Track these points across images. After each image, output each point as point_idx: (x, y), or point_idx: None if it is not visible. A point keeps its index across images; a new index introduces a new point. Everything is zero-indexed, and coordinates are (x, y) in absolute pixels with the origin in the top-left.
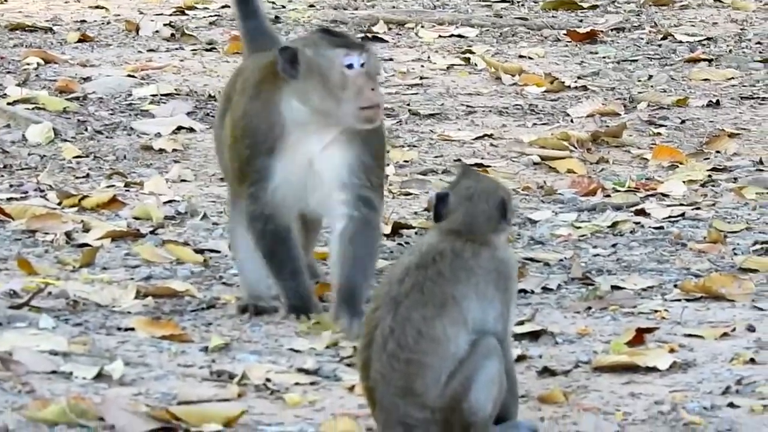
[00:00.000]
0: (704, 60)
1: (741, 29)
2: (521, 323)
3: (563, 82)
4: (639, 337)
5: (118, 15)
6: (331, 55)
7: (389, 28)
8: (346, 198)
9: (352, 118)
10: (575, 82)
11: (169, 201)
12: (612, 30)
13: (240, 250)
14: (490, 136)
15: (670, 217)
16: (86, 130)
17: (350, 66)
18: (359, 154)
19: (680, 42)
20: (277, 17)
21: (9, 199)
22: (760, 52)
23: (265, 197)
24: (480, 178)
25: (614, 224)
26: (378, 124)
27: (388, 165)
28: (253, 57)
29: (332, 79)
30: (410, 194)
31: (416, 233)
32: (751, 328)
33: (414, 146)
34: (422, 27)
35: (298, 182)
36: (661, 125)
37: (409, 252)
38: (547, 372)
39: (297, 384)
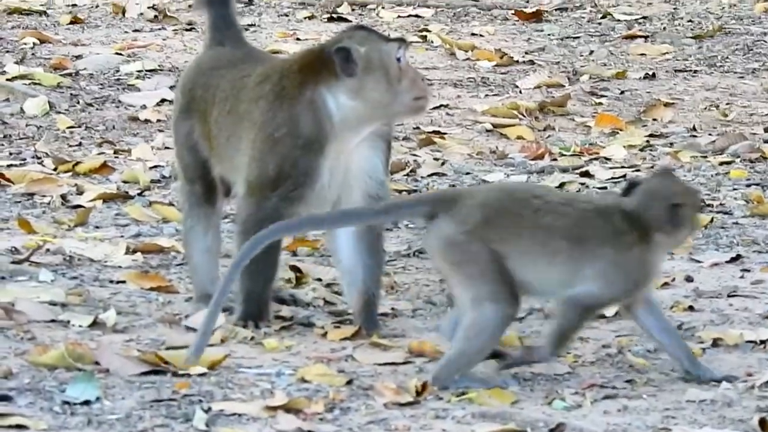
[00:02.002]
0: (641, 36)
1: (674, 8)
2: None
3: (512, 57)
4: None
5: None
6: (387, 49)
7: (353, 9)
8: (375, 193)
9: (407, 108)
10: (523, 57)
11: (155, 166)
12: (556, 10)
13: (196, 250)
14: (446, 106)
15: (612, 178)
16: (78, 103)
17: (399, 59)
18: (384, 148)
19: (618, 20)
20: (249, 0)
21: (9, 166)
22: (692, 29)
23: (307, 196)
24: (673, 181)
25: (561, 185)
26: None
27: None
28: (217, 50)
29: (391, 72)
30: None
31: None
32: (689, 279)
33: None
34: (383, 8)
35: (336, 180)
36: (602, 96)
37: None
38: None
39: (275, 330)
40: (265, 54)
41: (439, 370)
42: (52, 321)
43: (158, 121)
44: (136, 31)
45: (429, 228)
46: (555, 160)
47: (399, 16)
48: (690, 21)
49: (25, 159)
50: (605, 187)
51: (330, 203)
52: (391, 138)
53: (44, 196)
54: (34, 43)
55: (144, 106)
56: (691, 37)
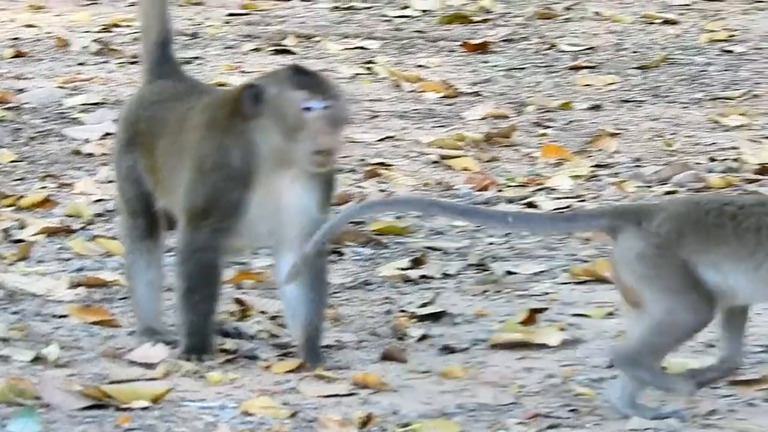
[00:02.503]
0: (586, 67)
1: (619, 39)
2: (424, 305)
3: (458, 89)
4: (531, 317)
5: (50, 32)
6: (291, 96)
7: (299, 42)
8: (309, 230)
9: (305, 161)
10: (469, 88)
11: (98, 200)
12: (502, 41)
13: (139, 283)
14: (392, 137)
15: (557, 208)
16: (21, 137)
17: (309, 109)
18: (322, 186)
19: (564, 51)
20: (194, 33)
21: None
22: (637, 60)
23: (233, 229)
24: None
25: None
26: (329, 169)
27: None
28: (159, 83)
29: (289, 120)
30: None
31: None
32: None
33: None
34: (329, 40)
35: (266, 214)
36: (547, 126)
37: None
38: (447, 349)
39: (219, 363)
40: (208, 87)
41: (623, 348)
42: None
43: (102, 154)
44: (80, 64)
45: (614, 242)
46: (501, 191)
47: (345, 48)
48: (635, 51)
49: None
50: None
51: (264, 237)
52: (332, 174)
53: None
54: None
55: (87, 140)
56: (637, 68)
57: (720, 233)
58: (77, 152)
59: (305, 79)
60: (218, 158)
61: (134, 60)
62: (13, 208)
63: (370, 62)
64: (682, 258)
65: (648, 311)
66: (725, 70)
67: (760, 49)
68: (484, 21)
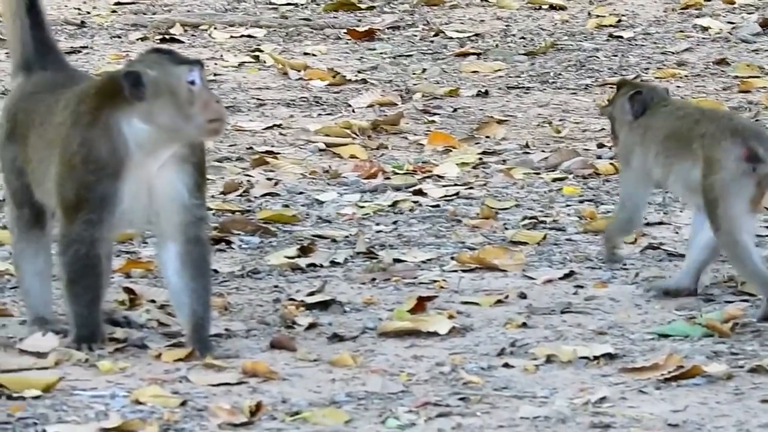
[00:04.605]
0: (473, 54)
1: (506, 26)
2: (312, 294)
3: (345, 76)
4: (420, 305)
5: None
6: (176, 72)
7: (185, 30)
8: (184, 217)
9: (200, 131)
10: (356, 75)
11: None
12: (388, 28)
13: (27, 273)
14: (279, 126)
15: (445, 196)
16: None
17: (192, 82)
18: (192, 171)
19: (451, 38)
20: (82, 22)
21: None
22: (524, 46)
23: (107, 221)
24: None
25: (394, 203)
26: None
27: None
28: (39, 74)
29: (180, 95)
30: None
31: (213, 215)
32: (522, 296)
33: None
34: (215, 29)
35: (140, 204)
36: (435, 114)
37: None
38: (336, 338)
39: (109, 352)
40: (86, 77)
41: None
42: None
43: None
44: None
45: None
46: (388, 178)
47: (231, 36)
48: (522, 38)
49: None
50: (438, 206)
51: (139, 226)
52: (202, 159)
53: None
54: None
55: None
56: (524, 54)
57: None
58: None
59: (177, 56)
60: (85, 152)
61: None
62: None
63: (256, 50)
64: None
65: None
66: (613, 56)
67: (649, 34)
68: (370, 9)
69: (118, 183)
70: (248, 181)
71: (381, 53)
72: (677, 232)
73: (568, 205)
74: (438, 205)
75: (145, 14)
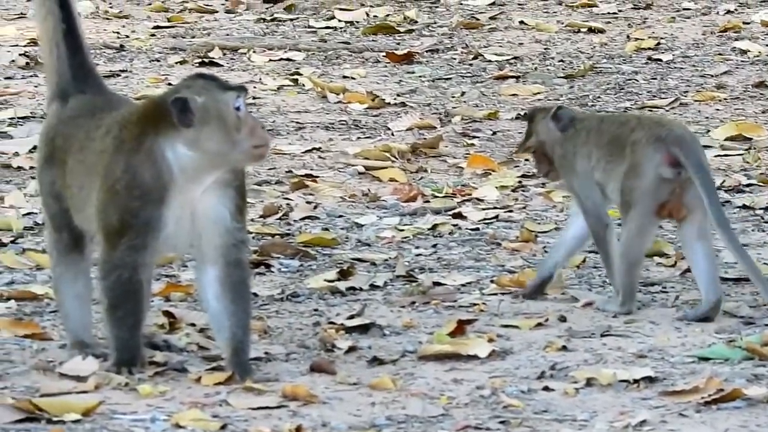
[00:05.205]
0: (512, 77)
1: (545, 49)
2: (352, 317)
3: (384, 100)
4: (460, 328)
5: None
6: (225, 98)
7: (224, 54)
8: (225, 241)
9: (246, 157)
10: (395, 99)
11: (28, 213)
12: (427, 51)
13: (66, 297)
14: (318, 149)
15: (484, 219)
16: None
17: (239, 108)
18: (234, 195)
19: (490, 61)
20: (121, 46)
21: None
22: (563, 69)
23: (151, 246)
24: None
25: (434, 227)
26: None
27: None
28: (78, 98)
29: (228, 121)
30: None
31: (253, 238)
32: (562, 319)
33: None
34: (254, 52)
35: (183, 229)
36: (474, 137)
37: None
38: (376, 361)
39: (149, 376)
40: (125, 101)
41: None
42: None
43: (31, 168)
44: (7, 78)
45: None
46: (428, 202)
47: (270, 60)
48: (561, 61)
49: None
50: (477, 229)
51: (182, 251)
52: (243, 183)
53: None
54: None
55: (16, 153)
56: (563, 77)
57: None
58: (6, 166)
59: (222, 82)
60: (129, 178)
61: None
62: None
63: (295, 73)
64: None
65: None
66: (652, 79)
67: (687, 57)
68: (409, 32)
69: (162, 209)
70: (287, 204)
71: (420, 76)
72: (717, 255)
73: None
74: (477, 229)
75: (183, 38)
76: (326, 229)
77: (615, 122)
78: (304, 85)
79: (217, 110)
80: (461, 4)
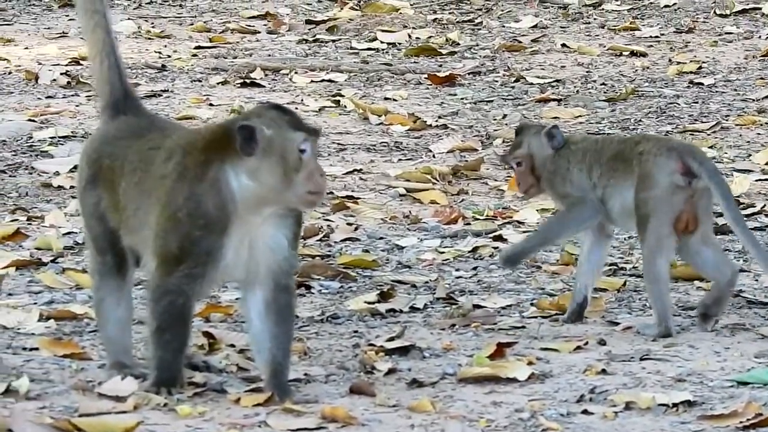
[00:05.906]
0: (554, 100)
1: (587, 72)
2: (392, 339)
3: (425, 122)
4: (500, 351)
5: (19, 66)
6: (292, 137)
7: (266, 75)
8: (279, 267)
9: (298, 200)
10: (436, 121)
11: (68, 233)
12: (469, 74)
13: (108, 322)
14: (360, 170)
15: None
16: None
17: (303, 150)
18: (292, 224)
19: (531, 84)
20: (163, 66)
21: None
22: (605, 93)
23: (209, 275)
24: None
25: (474, 249)
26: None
27: None
28: (120, 119)
29: (289, 160)
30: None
31: (301, 259)
32: (602, 342)
33: None
34: (296, 73)
35: (240, 258)
36: None
37: None
38: (416, 383)
39: (188, 396)
40: (168, 122)
41: None
42: None
43: (71, 187)
44: (49, 97)
45: None
46: (468, 224)
47: (312, 81)
48: (603, 84)
49: None
50: None
51: (238, 279)
52: (300, 212)
53: None
54: None
55: (57, 173)
56: (604, 100)
57: None
58: (47, 185)
59: (296, 119)
60: (192, 207)
61: None
62: None
63: (337, 95)
64: None
65: None
66: (694, 102)
67: (729, 81)
68: (451, 54)
69: (224, 238)
70: (328, 225)
71: (462, 98)
72: (756, 280)
73: None
74: None
75: (225, 58)
76: (367, 251)
77: (613, 141)
78: (345, 106)
79: (282, 147)
80: (503, 26)
